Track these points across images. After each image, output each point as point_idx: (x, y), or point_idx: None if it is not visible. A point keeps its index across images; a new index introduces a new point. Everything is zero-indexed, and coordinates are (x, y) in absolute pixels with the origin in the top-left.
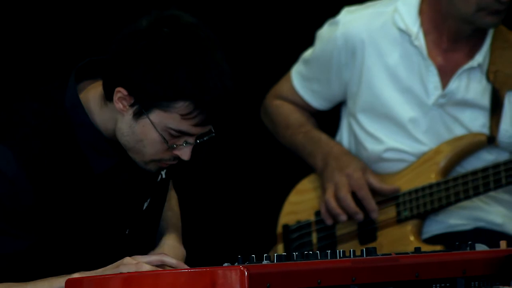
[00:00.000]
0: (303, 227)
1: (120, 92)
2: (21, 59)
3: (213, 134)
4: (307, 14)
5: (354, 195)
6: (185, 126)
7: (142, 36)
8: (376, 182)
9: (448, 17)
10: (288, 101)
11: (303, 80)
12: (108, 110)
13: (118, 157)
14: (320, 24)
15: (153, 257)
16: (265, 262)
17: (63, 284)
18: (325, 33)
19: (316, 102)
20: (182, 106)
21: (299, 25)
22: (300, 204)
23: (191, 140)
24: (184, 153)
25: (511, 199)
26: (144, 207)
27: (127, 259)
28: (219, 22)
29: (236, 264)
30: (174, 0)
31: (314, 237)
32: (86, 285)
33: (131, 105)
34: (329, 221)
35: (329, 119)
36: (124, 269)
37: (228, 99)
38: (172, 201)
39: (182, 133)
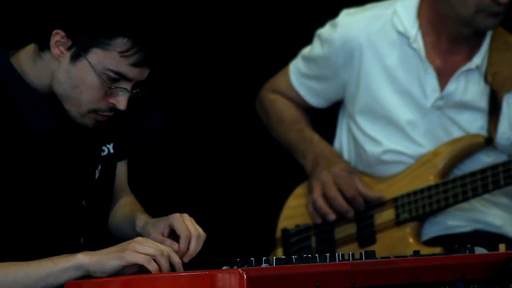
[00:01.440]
0: (302, 231)
1: (58, 34)
2: None
3: (145, 91)
4: (306, 9)
5: (341, 193)
6: (123, 66)
7: None
8: (361, 187)
9: (447, 19)
10: (284, 96)
11: (301, 77)
12: (43, 63)
13: (59, 115)
14: (319, 19)
15: (161, 247)
16: (264, 265)
17: (68, 264)
18: (324, 34)
19: (313, 99)
20: (120, 42)
21: (298, 20)
22: (299, 208)
23: (127, 86)
24: (121, 101)
25: (509, 203)
26: (96, 176)
27: (135, 245)
28: (219, 18)
29: (235, 267)
30: None
31: (313, 240)
32: None
33: (69, 48)
34: (317, 220)
35: (327, 119)
36: (129, 257)
37: (166, 40)
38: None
39: (120, 75)
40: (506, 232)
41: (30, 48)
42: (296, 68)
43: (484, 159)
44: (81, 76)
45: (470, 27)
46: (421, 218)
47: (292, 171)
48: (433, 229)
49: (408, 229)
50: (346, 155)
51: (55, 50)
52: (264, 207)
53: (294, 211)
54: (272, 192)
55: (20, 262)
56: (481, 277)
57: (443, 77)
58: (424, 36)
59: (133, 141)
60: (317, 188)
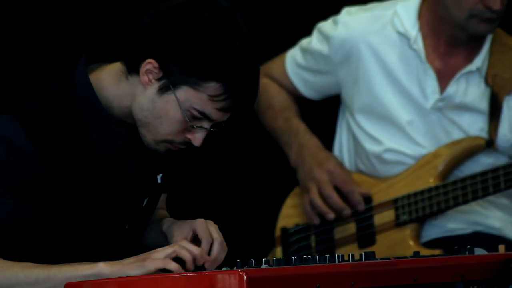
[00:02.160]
0: (301, 230)
1: (150, 64)
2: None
3: (222, 128)
4: (309, 4)
5: (337, 190)
6: (209, 108)
7: (182, 12)
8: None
9: (444, 22)
10: (277, 82)
11: (297, 67)
12: (127, 85)
13: (125, 139)
14: (322, 14)
15: (173, 248)
16: (264, 266)
17: (89, 272)
18: (324, 29)
19: (306, 90)
20: (213, 86)
21: (299, 13)
22: (298, 207)
23: (207, 125)
24: (198, 138)
25: (509, 204)
26: (144, 204)
27: (155, 254)
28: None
29: (235, 268)
30: None
31: (313, 240)
32: None
33: (158, 79)
34: (315, 220)
35: (327, 117)
36: (150, 265)
37: (255, 91)
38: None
39: (204, 116)
40: (506, 234)
41: (117, 66)
42: (292, 58)
43: (485, 161)
44: (165, 108)
45: (465, 31)
46: (421, 220)
47: (291, 171)
48: (432, 231)
49: (408, 230)
50: (345, 152)
51: (144, 77)
52: (264, 205)
53: (293, 210)
54: (271, 191)
55: (42, 265)
56: (481, 278)
57: (443, 79)
58: (424, 37)
59: (180, 176)
60: (313, 187)
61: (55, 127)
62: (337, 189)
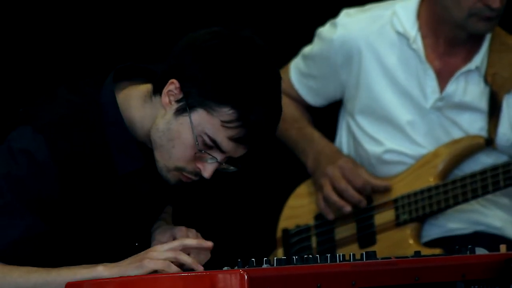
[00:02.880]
0: (302, 231)
1: (173, 84)
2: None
3: (238, 168)
4: (309, 10)
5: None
6: (220, 136)
7: (211, 38)
8: (368, 176)
9: (443, 21)
10: (285, 94)
11: (301, 76)
12: (151, 107)
13: (144, 161)
14: (322, 20)
15: (175, 243)
16: (265, 266)
17: (88, 275)
18: (324, 33)
19: (311, 98)
20: (226, 112)
21: (299, 21)
22: (299, 208)
23: (218, 156)
24: (207, 169)
25: (510, 203)
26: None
27: (152, 253)
28: (220, 18)
29: (236, 268)
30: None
31: (314, 241)
32: None
33: (178, 101)
34: (330, 216)
35: (328, 119)
36: (149, 265)
37: (270, 127)
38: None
39: (214, 144)
40: (506, 233)
41: (145, 88)
42: (296, 67)
43: (485, 160)
44: (179, 130)
45: (464, 31)
46: (421, 219)
47: (292, 171)
48: (433, 231)
49: (408, 230)
50: (345, 152)
51: (165, 99)
52: (265, 207)
53: (294, 211)
54: (272, 192)
55: (42, 268)
56: (482, 278)
57: (443, 78)
58: (423, 37)
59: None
60: (326, 184)
61: (77, 143)
62: (351, 184)
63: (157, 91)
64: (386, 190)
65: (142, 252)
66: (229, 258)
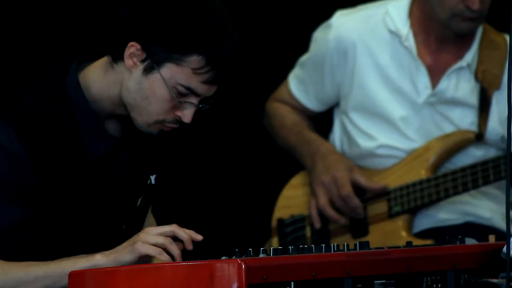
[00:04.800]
0: (297, 221)
1: (133, 46)
2: (23, 53)
3: (210, 105)
4: (305, 19)
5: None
6: (194, 82)
7: None
8: (364, 181)
9: (432, 20)
10: (287, 104)
11: (299, 83)
12: (114, 74)
13: (115, 142)
14: (316, 26)
15: (166, 228)
16: (261, 255)
17: (87, 264)
18: (318, 35)
19: (311, 103)
20: (195, 60)
21: (296, 30)
22: (294, 198)
23: (195, 101)
24: (187, 114)
25: (499, 194)
26: (138, 204)
27: (143, 236)
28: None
29: (234, 257)
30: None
31: (308, 230)
32: (88, 278)
33: (142, 61)
34: (317, 225)
35: (323, 120)
36: (140, 249)
37: (237, 60)
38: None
39: (190, 90)
40: (495, 224)
41: (103, 60)
42: (294, 76)
43: (475, 153)
44: (152, 88)
45: (449, 29)
46: (413, 211)
47: (286, 163)
48: (424, 221)
49: (400, 221)
50: (338, 150)
51: (128, 61)
52: (260, 197)
53: (289, 201)
54: (267, 183)
55: (41, 262)
56: (472, 267)
57: (435, 75)
58: (415, 34)
59: (171, 175)
60: (321, 194)
61: (47, 132)
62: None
63: (117, 57)
64: (383, 191)
65: (135, 235)
66: (227, 248)
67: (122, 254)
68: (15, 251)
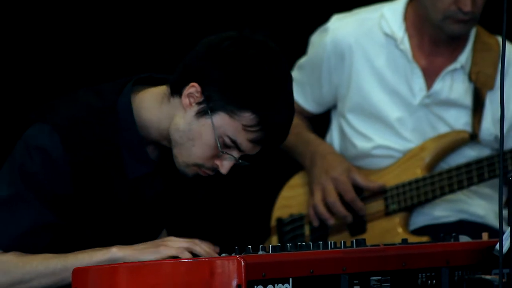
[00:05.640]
0: (296, 220)
1: (194, 87)
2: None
3: (249, 163)
4: (303, 23)
5: (340, 196)
6: (241, 137)
7: (231, 45)
8: (362, 181)
9: (425, 22)
10: None
11: (297, 85)
12: (168, 107)
13: (153, 166)
14: (313, 30)
15: (188, 240)
16: (260, 252)
17: (103, 257)
18: (316, 39)
19: (309, 105)
20: (248, 116)
21: (293, 34)
22: (293, 198)
23: (236, 155)
24: (225, 165)
25: (492, 193)
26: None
27: (168, 242)
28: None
29: (233, 254)
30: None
31: (307, 229)
32: (92, 275)
33: (198, 103)
34: (315, 223)
35: (321, 121)
36: (165, 252)
37: (287, 129)
38: None
39: (235, 144)
40: (489, 221)
41: (161, 89)
42: (293, 79)
43: (469, 153)
44: (200, 131)
45: (442, 31)
46: (409, 209)
47: (286, 163)
48: (420, 219)
49: (397, 219)
50: (336, 149)
51: (185, 100)
52: (260, 197)
53: (288, 201)
54: (266, 184)
55: (59, 255)
56: (465, 264)
57: (429, 77)
58: (410, 37)
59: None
60: (317, 193)
61: (91, 143)
62: (341, 196)
63: (176, 92)
64: (381, 190)
65: (158, 240)
66: (227, 246)
67: (143, 253)
68: (36, 252)
